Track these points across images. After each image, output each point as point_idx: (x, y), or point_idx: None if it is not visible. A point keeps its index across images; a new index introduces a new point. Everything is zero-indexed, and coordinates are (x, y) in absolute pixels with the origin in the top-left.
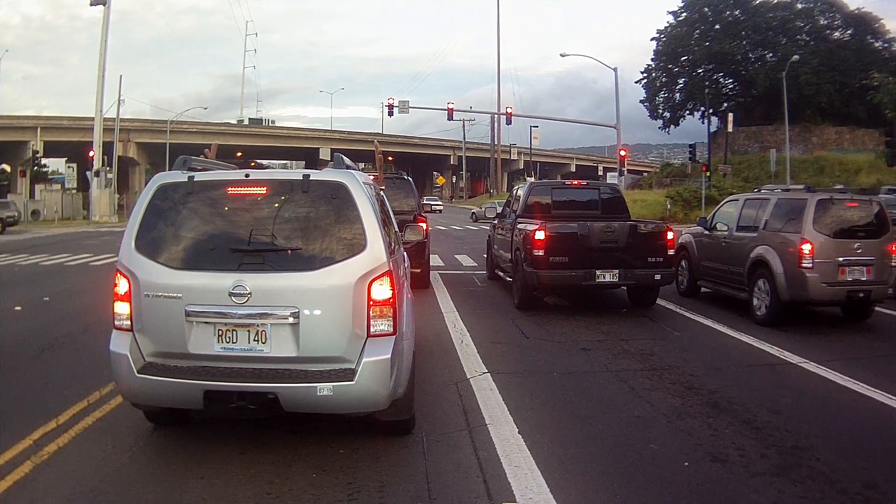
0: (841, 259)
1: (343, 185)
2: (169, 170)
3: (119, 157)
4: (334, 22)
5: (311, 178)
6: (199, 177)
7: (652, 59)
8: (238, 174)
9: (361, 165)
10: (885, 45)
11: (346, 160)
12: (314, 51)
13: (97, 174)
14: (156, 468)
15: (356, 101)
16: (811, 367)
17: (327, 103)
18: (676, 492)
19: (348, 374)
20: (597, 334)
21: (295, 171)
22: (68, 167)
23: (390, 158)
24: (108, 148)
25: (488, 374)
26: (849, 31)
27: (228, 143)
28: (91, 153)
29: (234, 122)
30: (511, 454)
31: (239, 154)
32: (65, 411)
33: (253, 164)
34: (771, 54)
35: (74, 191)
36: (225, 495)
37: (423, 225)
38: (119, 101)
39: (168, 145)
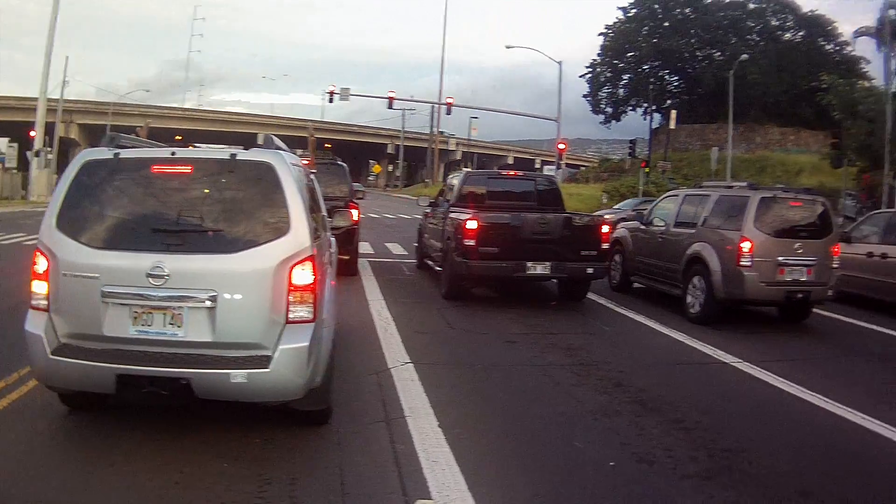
0: (781, 258)
1: (270, 166)
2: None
3: (61, 137)
4: (282, 8)
5: (237, 158)
6: (125, 154)
7: (598, 55)
8: (164, 152)
9: (299, 151)
10: (838, 48)
11: (277, 140)
12: (260, 37)
13: (37, 154)
14: (67, 453)
15: (299, 89)
16: (745, 367)
17: (270, 89)
18: (601, 493)
19: (264, 362)
20: (524, 327)
21: (222, 150)
22: (10, 147)
23: (328, 146)
24: (51, 129)
25: (411, 364)
26: (801, 33)
27: (170, 126)
28: (32, 133)
29: (176, 105)
30: (429, 448)
31: (178, 137)
32: None
33: (190, 146)
34: (719, 53)
35: (15, 170)
36: (133, 484)
37: (355, 212)
38: (64, 82)
39: (109, 127)
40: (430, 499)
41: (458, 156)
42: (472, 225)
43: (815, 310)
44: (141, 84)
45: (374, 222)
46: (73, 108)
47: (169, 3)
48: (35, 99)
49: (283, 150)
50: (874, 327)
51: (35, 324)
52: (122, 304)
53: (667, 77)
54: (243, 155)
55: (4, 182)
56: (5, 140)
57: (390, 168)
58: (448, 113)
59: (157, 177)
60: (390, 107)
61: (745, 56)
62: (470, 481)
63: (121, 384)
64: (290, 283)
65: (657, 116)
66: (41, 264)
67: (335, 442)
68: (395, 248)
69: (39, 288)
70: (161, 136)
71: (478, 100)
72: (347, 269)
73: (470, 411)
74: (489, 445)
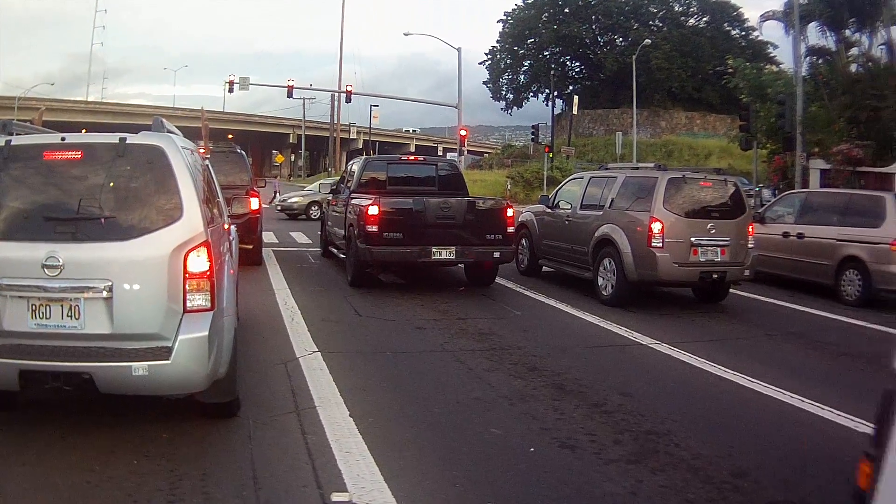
0: (693, 239)
1: (160, 149)
2: None
3: None
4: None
5: (127, 142)
6: (16, 141)
7: (497, 41)
8: (54, 138)
9: (201, 142)
10: (744, 33)
11: (167, 124)
12: (161, 29)
13: None
14: None
15: (201, 80)
16: (663, 348)
17: (172, 81)
18: (522, 480)
19: (164, 353)
20: (433, 313)
21: (112, 135)
22: None
23: (230, 136)
24: None
25: (319, 353)
26: (705, 19)
27: (74, 119)
28: None
29: (80, 99)
30: (342, 439)
31: (84, 130)
32: None
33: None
34: (621, 39)
35: None
36: (45, 484)
37: (255, 200)
38: None
39: (14, 121)
40: (345, 491)
41: (360, 144)
42: (373, 211)
43: (732, 290)
44: (47, 78)
45: (278, 212)
46: None
47: None
48: None
49: (174, 134)
50: (792, 306)
51: None
52: (19, 297)
53: (568, 63)
54: (133, 139)
55: None
56: None
57: (293, 158)
58: (348, 101)
59: (49, 163)
60: (290, 95)
61: (647, 41)
62: (385, 472)
63: (24, 380)
64: (186, 271)
65: (559, 102)
66: None
67: (245, 435)
68: (300, 237)
69: None
70: (66, 130)
71: (377, 88)
72: (251, 259)
73: (381, 399)
74: (403, 434)
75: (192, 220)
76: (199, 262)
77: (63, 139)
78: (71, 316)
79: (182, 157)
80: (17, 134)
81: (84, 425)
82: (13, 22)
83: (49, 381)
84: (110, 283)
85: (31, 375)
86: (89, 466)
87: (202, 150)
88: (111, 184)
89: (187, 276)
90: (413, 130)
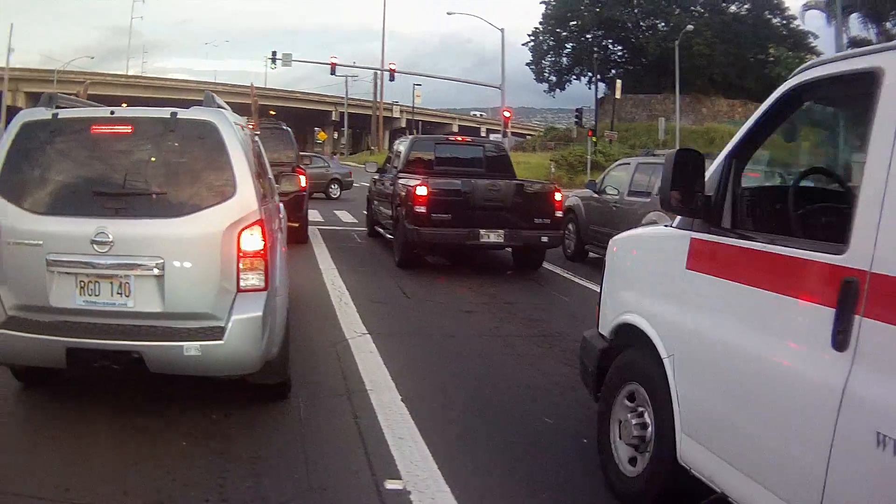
0: None
1: (212, 125)
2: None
3: (8, 106)
4: None
5: (178, 117)
6: (64, 114)
7: (540, 23)
8: (103, 111)
9: (245, 119)
10: (785, 21)
11: (218, 99)
12: (198, 3)
13: None
14: (20, 433)
15: (241, 55)
16: None
17: (213, 56)
18: (576, 470)
19: (217, 333)
20: (480, 296)
21: (163, 109)
22: None
23: (272, 112)
24: None
25: (368, 335)
26: (746, 6)
27: (115, 93)
28: None
29: (120, 73)
30: (394, 424)
31: (124, 104)
32: None
33: (123, 104)
34: (663, 24)
35: None
36: (91, 465)
37: (302, 177)
38: (9, 50)
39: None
40: (399, 478)
41: (403, 123)
42: (422, 191)
43: None
44: (84, 51)
45: None
46: (19, 76)
47: None
48: None
49: (225, 109)
50: None
51: None
52: (67, 273)
53: (610, 46)
54: (184, 114)
55: None
56: None
57: (336, 135)
58: (391, 80)
59: (97, 137)
60: (333, 73)
61: (690, 26)
62: (438, 459)
63: (71, 358)
64: (240, 249)
65: (602, 86)
66: None
67: (296, 417)
68: (345, 216)
69: None
70: (106, 104)
71: (419, 67)
72: (297, 237)
73: (432, 384)
74: (455, 420)
75: (245, 197)
76: (252, 240)
77: (112, 113)
78: (121, 293)
79: (235, 133)
80: (63, 107)
81: (131, 404)
82: None
83: (98, 359)
84: (162, 261)
85: (78, 353)
86: (135, 447)
87: (252, 126)
88: (162, 159)
89: (241, 254)
90: (481, 115)
